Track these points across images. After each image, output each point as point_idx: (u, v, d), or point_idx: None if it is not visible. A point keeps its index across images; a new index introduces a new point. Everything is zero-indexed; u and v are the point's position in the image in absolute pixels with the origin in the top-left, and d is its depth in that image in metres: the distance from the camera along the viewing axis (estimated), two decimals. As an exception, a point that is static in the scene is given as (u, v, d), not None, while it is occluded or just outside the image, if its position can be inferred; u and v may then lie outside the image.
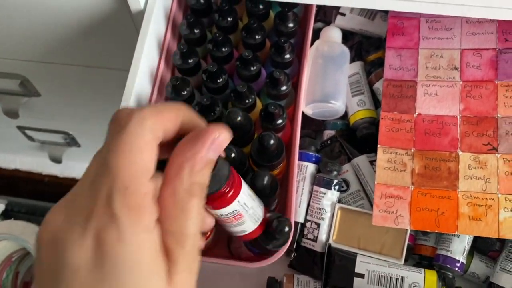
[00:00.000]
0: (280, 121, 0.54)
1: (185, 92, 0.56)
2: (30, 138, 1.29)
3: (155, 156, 0.29)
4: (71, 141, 1.26)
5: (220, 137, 0.31)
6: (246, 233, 0.44)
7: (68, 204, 0.28)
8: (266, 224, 0.47)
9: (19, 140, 1.32)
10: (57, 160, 1.32)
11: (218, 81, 0.57)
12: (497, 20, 0.63)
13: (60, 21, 0.73)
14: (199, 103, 0.54)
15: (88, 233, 0.26)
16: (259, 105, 0.59)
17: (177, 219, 0.29)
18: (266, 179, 0.49)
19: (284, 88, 0.56)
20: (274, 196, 0.51)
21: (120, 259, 0.26)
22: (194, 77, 0.61)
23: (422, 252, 0.60)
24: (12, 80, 0.94)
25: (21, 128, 1.23)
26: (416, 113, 0.62)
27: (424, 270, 0.55)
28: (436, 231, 0.58)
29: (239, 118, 0.51)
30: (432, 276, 0.55)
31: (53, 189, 1.46)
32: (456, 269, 0.56)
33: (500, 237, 0.54)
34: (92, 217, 0.26)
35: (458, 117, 0.61)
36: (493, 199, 0.56)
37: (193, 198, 0.29)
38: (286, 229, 0.47)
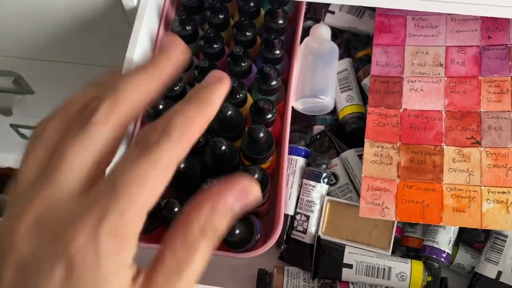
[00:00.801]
0: (269, 115, 0.56)
1: (177, 88, 0.58)
2: (23, 136, 1.30)
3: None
4: (64, 139, 1.26)
5: (251, 188, 0.26)
6: None
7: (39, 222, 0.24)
8: None
9: (12, 138, 1.32)
10: (50, 158, 1.33)
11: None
12: (481, 18, 0.65)
13: (54, 18, 0.74)
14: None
15: (61, 259, 0.23)
16: (250, 100, 0.60)
17: (179, 255, 0.25)
18: (256, 173, 0.50)
19: (274, 83, 0.57)
20: (265, 190, 0.52)
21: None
22: (186, 73, 0.62)
23: (409, 244, 0.61)
24: (5, 78, 0.95)
25: (14, 126, 1.24)
26: (402, 108, 0.64)
27: (411, 260, 0.57)
28: (421, 223, 0.59)
29: (229, 112, 0.53)
30: (418, 266, 0.57)
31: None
32: (442, 259, 0.58)
33: (483, 228, 0.56)
34: (70, 241, 0.23)
35: (443, 112, 0.62)
36: (476, 191, 0.58)
37: (204, 240, 0.25)
38: None
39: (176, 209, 0.50)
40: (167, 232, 0.25)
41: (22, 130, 1.26)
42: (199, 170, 0.54)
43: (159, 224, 0.56)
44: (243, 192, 0.25)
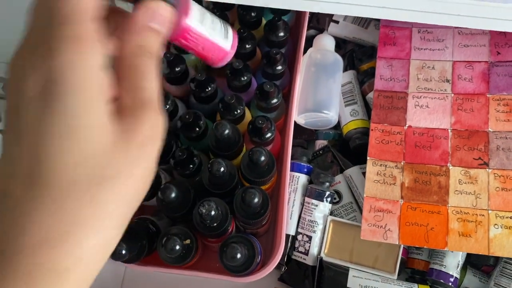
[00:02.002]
0: (268, 134, 0.53)
1: (179, 68, 0.56)
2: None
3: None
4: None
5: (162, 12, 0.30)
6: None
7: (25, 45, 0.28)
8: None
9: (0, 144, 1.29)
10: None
11: (207, 90, 0.55)
12: (490, 33, 0.63)
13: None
14: (181, 120, 0.53)
15: (39, 68, 0.26)
16: (248, 115, 0.58)
17: (130, 78, 0.28)
18: (257, 197, 0.48)
19: (274, 101, 0.55)
20: (266, 213, 0.50)
21: (66, 85, 0.25)
22: (182, 86, 0.59)
23: (415, 266, 0.59)
24: (-7, 81, 0.92)
25: (3, 133, 1.20)
26: (407, 125, 0.61)
27: (418, 286, 0.55)
28: (424, 247, 0.57)
29: (227, 131, 0.50)
30: (425, 292, 0.54)
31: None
32: (450, 284, 0.56)
33: (490, 254, 0.54)
34: (39, 53, 0.26)
35: (449, 130, 0.60)
36: (483, 215, 0.56)
37: (141, 58, 0.29)
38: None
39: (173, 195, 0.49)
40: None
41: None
42: (192, 193, 0.52)
43: (153, 250, 0.53)
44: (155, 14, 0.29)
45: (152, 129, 0.28)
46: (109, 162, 0.26)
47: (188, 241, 0.50)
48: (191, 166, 0.52)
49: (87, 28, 0.27)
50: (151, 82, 0.29)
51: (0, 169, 0.27)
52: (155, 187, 0.51)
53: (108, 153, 0.26)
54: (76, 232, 0.26)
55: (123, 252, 0.49)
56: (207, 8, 0.44)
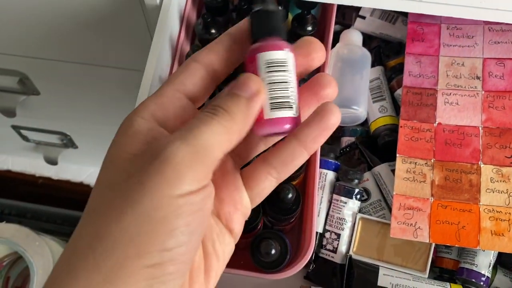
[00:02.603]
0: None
1: None
2: (25, 138, 1.26)
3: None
4: (68, 142, 1.22)
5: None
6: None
7: None
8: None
9: (13, 140, 1.28)
10: (52, 161, 1.28)
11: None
12: (521, 29, 0.62)
13: (66, 15, 0.70)
14: None
15: None
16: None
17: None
18: (291, 192, 0.47)
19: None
20: (298, 209, 0.48)
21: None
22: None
23: (444, 265, 0.57)
24: (10, 77, 0.91)
25: (16, 128, 1.19)
26: (436, 122, 0.60)
27: (450, 284, 0.53)
28: (456, 245, 0.56)
29: None
30: (458, 291, 0.53)
31: (47, 191, 1.42)
32: (482, 283, 0.54)
33: (524, 253, 0.53)
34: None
35: (480, 128, 0.59)
36: (517, 214, 0.54)
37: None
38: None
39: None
40: None
41: (24, 132, 1.22)
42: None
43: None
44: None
45: None
46: None
47: None
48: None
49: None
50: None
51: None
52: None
53: None
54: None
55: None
56: None
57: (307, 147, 0.29)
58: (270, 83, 0.29)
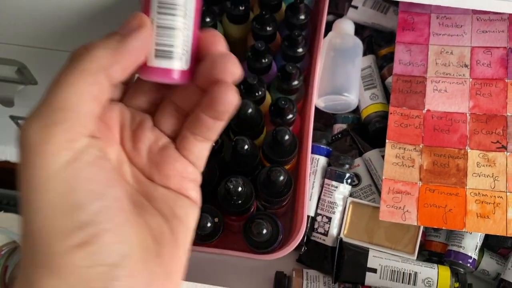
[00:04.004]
0: (290, 116, 0.53)
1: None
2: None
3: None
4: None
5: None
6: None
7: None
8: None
9: (11, 130, 1.29)
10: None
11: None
12: (508, 19, 0.63)
13: (64, 4, 0.71)
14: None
15: None
16: (268, 98, 0.58)
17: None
18: (282, 175, 0.48)
19: (296, 82, 0.55)
20: (289, 192, 0.50)
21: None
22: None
23: (432, 248, 0.60)
24: (8, 67, 0.92)
25: (14, 118, 1.20)
26: (425, 109, 0.62)
27: (438, 266, 0.55)
28: (443, 228, 0.58)
29: (250, 110, 0.51)
30: (445, 272, 0.55)
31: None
32: (468, 265, 0.56)
33: (508, 235, 0.55)
34: None
35: (467, 114, 0.61)
36: (501, 197, 0.56)
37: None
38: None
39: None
40: None
41: (22, 122, 1.23)
42: (217, 171, 0.52)
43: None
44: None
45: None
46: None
47: (217, 219, 0.50)
48: (216, 143, 0.53)
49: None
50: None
51: None
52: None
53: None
54: None
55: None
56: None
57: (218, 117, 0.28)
58: (158, 26, 0.27)
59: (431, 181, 0.58)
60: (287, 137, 0.50)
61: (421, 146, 0.60)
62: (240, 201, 0.50)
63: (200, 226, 0.48)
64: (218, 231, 0.51)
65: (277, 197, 0.51)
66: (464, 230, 0.56)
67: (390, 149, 0.60)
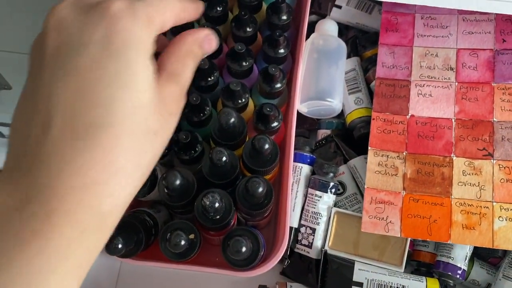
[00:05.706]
0: (275, 123, 0.51)
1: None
2: (0, 134, 1.21)
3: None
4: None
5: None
6: None
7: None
8: None
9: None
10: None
11: (209, 78, 0.52)
12: (495, 20, 0.61)
13: (36, 8, 0.67)
14: (187, 103, 0.50)
15: (102, 20, 0.29)
16: (251, 103, 0.55)
17: (175, 63, 0.33)
18: (261, 186, 0.46)
19: (279, 85, 0.52)
20: (269, 204, 0.48)
21: (127, 41, 0.29)
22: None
23: (420, 259, 0.58)
24: (-21, 72, 0.88)
25: (-11, 124, 1.15)
26: (409, 115, 0.60)
27: (426, 279, 0.54)
28: (427, 240, 0.56)
29: (232, 120, 0.48)
30: (434, 285, 0.53)
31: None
32: (458, 276, 0.55)
33: (494, 247, 0.53)
34: (109, 4, 0.29)
35: (453, 120, 0.59)
36: (487, 207, 0.55)
37: (191, 57, 0.35)
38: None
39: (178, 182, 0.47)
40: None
41: (-1, 128, 1.18)
42: (195, 182, 0.49)
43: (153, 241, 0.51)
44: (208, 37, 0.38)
45: (179, 106, 0.33)
46: (152, 117, 0.29)
47: (192, 236, 0.47)
48: (194, 151, 0.50)
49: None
50: (189, 68, 0.34)
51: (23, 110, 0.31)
52: (152, 182, 0.49)
53: (151, 109, 0.29)
54: (120, 179, 0.27)
55: (120, 246, 0.46)
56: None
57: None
58: None
59: (415, 190, 0.57)
60: (267, 146, 0.47)
61: (404, 153, 0.58)
62: (218, 217, 0.47)
63: (172, 244, 0.46)
64: (194, 248, 0.48)
65: (257, 209, 0.49)
66: (449, 241, 0.54)
67: (372, 157, 0.58)
